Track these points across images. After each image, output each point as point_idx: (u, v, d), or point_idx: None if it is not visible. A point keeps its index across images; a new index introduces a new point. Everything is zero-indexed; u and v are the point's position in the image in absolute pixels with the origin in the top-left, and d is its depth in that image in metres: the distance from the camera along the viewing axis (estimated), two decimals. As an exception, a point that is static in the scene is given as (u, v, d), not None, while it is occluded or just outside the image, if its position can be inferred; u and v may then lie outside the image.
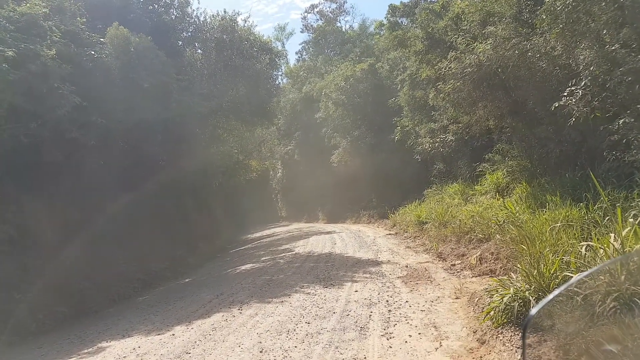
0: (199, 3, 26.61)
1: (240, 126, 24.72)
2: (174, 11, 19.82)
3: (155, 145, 15.27)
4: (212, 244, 20.90)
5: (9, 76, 10.15)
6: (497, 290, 5.72)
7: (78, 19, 14.09)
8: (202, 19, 20.57)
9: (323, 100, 26.97)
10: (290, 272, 11.40)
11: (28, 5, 11.80)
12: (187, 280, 14.16)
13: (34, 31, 11.68)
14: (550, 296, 2.16)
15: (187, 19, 20.17)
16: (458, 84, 10.20)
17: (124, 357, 6.60)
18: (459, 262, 9.15)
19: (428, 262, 9.97)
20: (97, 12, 15.92)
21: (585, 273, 4.16)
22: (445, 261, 9.66)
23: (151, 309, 10.19)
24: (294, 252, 15.29)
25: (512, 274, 6.18)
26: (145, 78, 13.92)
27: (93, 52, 13.68)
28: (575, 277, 4.38)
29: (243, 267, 14.16)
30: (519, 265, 5.98)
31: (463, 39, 10.83)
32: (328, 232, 20.15)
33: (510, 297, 5.24)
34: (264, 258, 15.46)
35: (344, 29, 45.26)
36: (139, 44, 14.27)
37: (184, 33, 20.41)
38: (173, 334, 7.34)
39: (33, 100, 10.69)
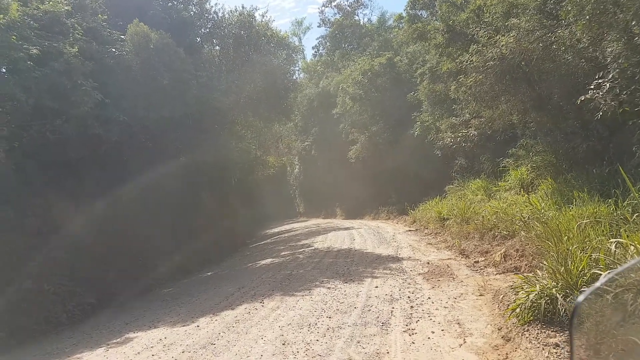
0: (217, -1, 26.75)
1: (257, 122, 24.82)
2: (193, 7, 19.94)
3: (174, 142, 15.45)
4: (232, 238, 21.09)
5: (34, 74, 10.41)
6: (522, 288, 5.62)
7: (99, 16, 14.33)
8: (220, 15, 20.69)
9: (340, 95, 26.79)
10: (309, 267, 11.42)
11: (51, 3, 12.01)
12: (209, 273, 14.37)
13: (57, 29, 11.94)
14: (598, 284, 2.13)
15: (206, 15, 20.29)
16: (480, 77, 10.01)
17: (151, 347, 6.73)
18: (483, 259, 9.01)
19: (450, 258, 9.84)
20: (117, 9, 16.13)
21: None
22: (468, 258, 9.53)
23: (176, 301, 10.41)
24: (312, 248, 15.30)
25: (538, 271, 6.07)
26: (164, 75, 14.07)
27: (114, 50, 13.93)
28: (625, 266, 4.26)
29: (263, 262, 14.27)
30: (545, 262, 5.86)
31: (485, 31, 10.59)
32: (346, 228, 20.11)
33: (536, 294, 5.15)
34: (283, 253, 15.54)
35: (361, 23, 44.80)
36: (159, 41, 14.41)
37: (203, 29, 20.53)
38: (198, 326, 7.46)
39: (57, 97, 10.94)
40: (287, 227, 30.26)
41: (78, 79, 11.42)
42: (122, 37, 14.46)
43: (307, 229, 24.48)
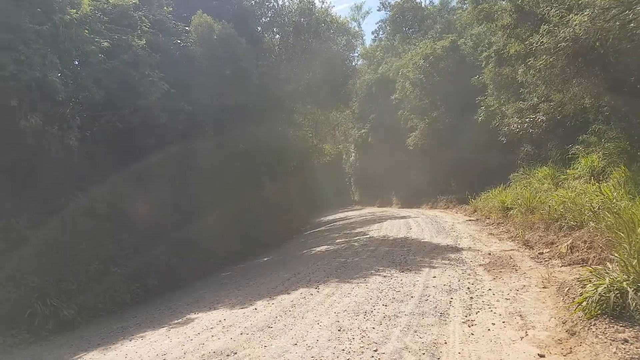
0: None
1: (315, 110, 24.94)
2: (254, -3, 20.24)
3: (236, 130, 15.90)
4: (288, 225, 21.50)
5: (105, 66, 11.04)
6: (590, 280, 5.35)
7: (164, 8, 14.91)
8: (280, 3, 20.91)
9: (400, 80, 26.27)
10: (365, 255, 11.41)
11: (120, -4, 12.61)
12: (265, 259, 14.75)
13: (125, 22, 12.54)
14: None
15: (266, 3, 20.56)
16: (551, 59, 9.44)
17: (211, 328, 7.03)
18: (548, 250, 8.59)
19: (513, 249, 9.48)
20: (181, 0, 16.73)
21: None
22: (532, 249, 9.13)
23: (234, 285, 10.75)
24: (368, 236, 15.27)
25: (608, 263, 5.74)
26: (227, 64, 14.47)
27: (179, 41, 14.49)
28: None
29: (318, 249, 14.44)
30: (616, 255, 5.53)
31: (557, 10, 9.92)
32: (403, 217, 19.87)
33: (605, 287, 4.89)
34: (338, 241, 15.62)
35: (423, 5, 43.35)
36: (222, 31, 14.80)
37: (263, 18, 20.83)
38: (255, 309, 7.70)
39: (126, 88, 11.54)
40: (341, 215, 30.38)
41: (145, 70, 12.00)
42: (187, 28, 14.99)
43: (361, 217, 24.45)
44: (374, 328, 5.69)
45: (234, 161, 15.91)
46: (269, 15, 20.83)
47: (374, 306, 6.63)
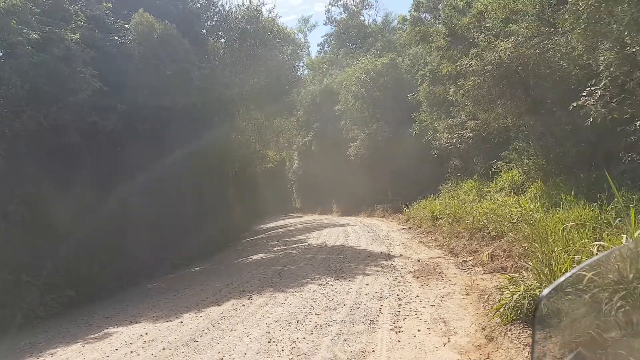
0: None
1: (259, 115, 24.86)
2: (199, 0, 19.95)
3: (174, 132, 15.47)
4: (225, 232, 21.05)
5: (33, 59, 10.37)
6: (507, 288, 5.73)
7: (103, 4, 14.36)
8: (227, 8, 20.79)
9: (343, 92, 26.92)
10: (302, 263, 11.49)
11: (55, -12, 11.98)
12: (197, 268, 14.30)
13: (59, 15, 11.92)
14: (562, 278, 2.24)
15: (212, 7, 20.34)
16: (478, 80, 10.13)
17: (131, 343, 6.65)
18: (471, 258, 9.15)
19: (440, 257, 9.98)
20: (123, -2, 16.15)
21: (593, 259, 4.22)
22: (457, 257, 9.66)
23: (160, 296, 10.26)
24: (306, 244, 15.39)
25: (523, 271, 6.18)
26: (167, 65, 14.08)
27: (117, 38, 13.92)
28: (584, 263, 4.41)
29: (255, 257, 14.30)
30: (530, 263, 5.97)
31: (485, 36, 10.71)
32: (342, 225, 20.23)
33: (520, 294, 5.25)
34: (276, 248, 15.60)
35: (366, 23, 44.90)
36: (163, 31, 14.40)
37: (209, 22, 20.56)
38: (181, 322, 7.40)
39: (55, 83, 10.88)
40: (282, 222, 30.35)
41: (78, 66, 11.38)
42: (126, 25, 14.45)
43: (302, 225, 24.58)
44: (304, 338, 5.70)
45: (170, 164, 15.42)
46: (215, 19, 20.62)
47: (306, 315, 6.67)
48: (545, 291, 2.19)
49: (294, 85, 25.29)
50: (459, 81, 11.38)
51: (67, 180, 11.62)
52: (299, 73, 29.47)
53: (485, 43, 10.49)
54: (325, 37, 47.80)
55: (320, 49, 47.22)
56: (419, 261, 9.73)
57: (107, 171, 13.26)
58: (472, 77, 10.28)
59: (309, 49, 41.32)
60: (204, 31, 20.15)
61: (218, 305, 8.19)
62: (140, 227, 13.36)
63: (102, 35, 13.43)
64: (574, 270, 2.34)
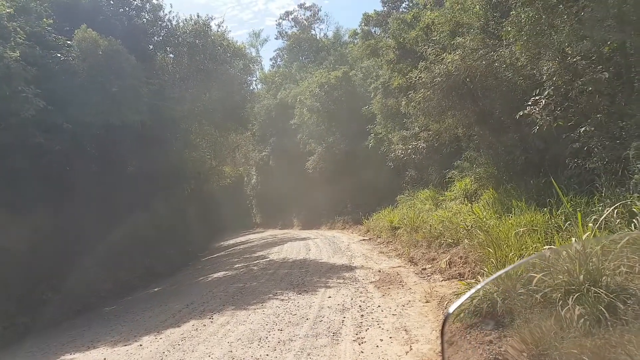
0: (171, 7, 26.57)
1: (213, 131, 24.46)
2: (146, 15, 19.41)
3: (124, 150, 14.98)
4: (183, 251, 20.48)
5: (-33, 78, 9.81)
6: (465, 293, 5.85)
7: (44, 20, 13.80)
8: (174, 23, 20.24)
9: (298, 106, 27.05)
10: (263, 279, 11.35)
11: (-10, 5, 11.44)
12: (156, 289, 13.88)
13: (-4, 32, 11.36)
14: (467, 294, 2.30)
15: (159, 22, 19.81)
16: (428, 93, 10.41)
17: None
18: (430, 266, 9.31)
19: (400, 266, 10.12)
20: (64, 14, 15.52)
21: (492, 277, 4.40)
22: (417, 265, 9.82)
23: (118, 319, 9.98)
24: (268, 259, 15.22)
25: (479, 277, 6.34)
26: (114, 81, 13.61)
27: (59, 55, 13.39)
28: (488, 279, 4.59)
29: (215, 275, 14.00)
30: (485, 269, 6.14)
31: (433, 49, 11.07)
32: (303, 239, 20.14)
33: (479, 299, 5.38)
34: (237, 265, 15.32)
35: (318, 37, 45.57)
36: (108, 47, 13.94)
37: (156, 37, 20.04)
38: (140, 345, 7.20)
39: (-6, 103, 10.35)
40: (242, 238, 29.87)
41: (19, 85, 10.91)
42: (69, 42, 13.91)
43: (263, 240, 24.30)
44: (267, 355, 5.64)
45: (122, 184, 14.86)
46: (162, 34, 20.11)
47: (269, 332, 6.58)
48: (452, 308, 2.20)
49: (248, 100, 25.15)
50: (410, 93, 11.67)
51: (14, 205, 11.07)
52: (252, 87, 29.38)
53: (434, 56, 10.83)
54: (277, 51, 48.20)
55: (273, 63, 47.56)
56: (379, 271, 9.81)
57: (57, 193, 12.66)
58: (422, 89, 10.56)
59: (262, 63, 41.54)
60: (151, 46, 19.63)
61: (178, 326, 7.97)
62: (94, 249, 12.91)
63: (44, 52, 12.89)
64: (477, 287, 2.40)
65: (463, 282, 6.88)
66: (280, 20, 48.08)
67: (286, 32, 46.98)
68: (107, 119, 13.40)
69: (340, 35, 41.50)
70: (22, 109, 10.80)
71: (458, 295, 6.17)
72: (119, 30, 16.11)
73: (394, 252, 12.25)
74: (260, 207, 42.85)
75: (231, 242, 28.62)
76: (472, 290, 3.56)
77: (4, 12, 11.75)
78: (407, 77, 12.24)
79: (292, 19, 47.40)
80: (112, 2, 18.23)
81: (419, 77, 10.52)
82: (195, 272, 16.51)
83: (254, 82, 34.18)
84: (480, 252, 7.28)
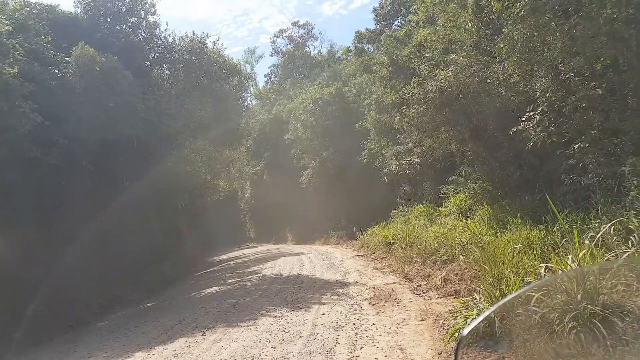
0: (167, 25, 26.81)
1: (208, 146, 24.51)
2: (142, 32, 19.63)
3: (119, 165, 14.97)
4: (177, 266, 20.31)
5: (-33, 95, 9.84)
6: (461, 312, 5.81)
7: (42, 37, 14.00)
8: (170, 40, 20.44)
9: (292, 121, 27.16)
10: (257, 294, 11.24)
11: (-10, 22, 11.55)
12: (149, 304, 13.73)
13: (-5, 49, 11.44)
14: (481, 317, 2.27)
15: (156, 40, 20.03)
16: (421, 108, 10.49)
17: None
18: (425, 283, 9.25)
19: (395, 283, 10.04)
20: (62, 31, 15.74)
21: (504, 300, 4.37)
22: (412, 282, 9.75)
23: (110, 335, 9.86)
24: (261, 275, 15.10)
25: (475, 294, 6.28)
26: (110, 97, 13.71)
27: (57, 71, 13.54)
28: (502, 301, 4.56)
29: (208, 290, 13.85)
30: (482, 286, 6.08)
31: (426, 66, 11.19)
32: (296, 254, 20.01)
33: (474, 318, 5.32)
34: (230, 281, 15.18)
35: (312, 54, 46.15)
36: (105, 64, 14.07)
37: (152, 54, 20.23)
38: (133, 362, 7.07)
39: (-9, 118, 10.37)
40: (236, 253, 29.67)
41: (16, 100, 11.04)
42: (67, 59, 14.04)
43: (256, 255, 24.12)
44: (261, 373, 5.56)
45: (116, 198, 14.77)
46: (159, 51, 20.31)
47: (262, 349, 6.49)
48: (465, 330, 2.19)
49: (242, 116, 25.32)
50: (403, 109, 11.74)
51: (7, 219, 11.02)
52: (246, 103, 29.50)
53: (426, 72, 10.94)
54: (271, 67, 48.77)
55: (268, 79, 48.05)
56: (374, 288, 9.73)
57: (51, 207, 12.61)
58: (415, 105, 10.63)
59: (256, 79, 41.83)
60: (147, 63, 19.81)
61: (170, 342, 7.88)
62: (88, 263, 12.91)
63: (42, 68, 13.00)
64: (486, 313, 2.37)
65: (459, 299, 6.83)
66: (275, 38, 48.80)
67: (280, 49, 47.67)
68: (103, 134, 13.49)
69: (334, 52, 42.04)
70: (19, 124, 10.88)
71: (454, 313, 6.11)
72: (116, 47, 16.25)
73: (388, 268, 12.19)
74: (254, 221, 42.64)
75: (224, 256, 28.41)
76: (486, 313, 3.45)
77: (3, 29, 11.92)
78: (400, 93, 12.33)
79: (286, 36, 48.11)
80: (109, 20, 18.46)
81: (412, 93, 10.60)
82: (189, 287, 16.35)
83: (249, 98, 34.41)
84: (476, 269, 7.22)
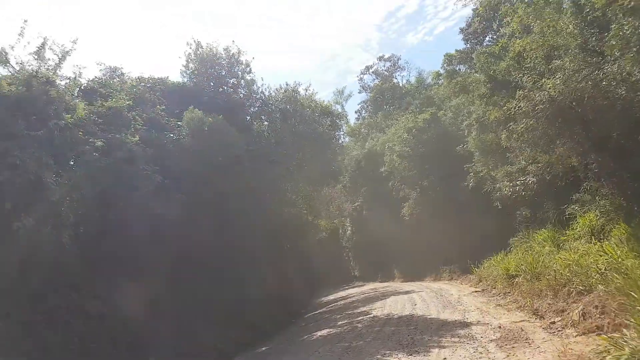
0: (262, 80, 28.83)
1: (307, 187, 25.24)
2: (242, 90, 21.66)
3: (230, 214, 15.83)
4: (286, 308, 20.56)
5: (99, 163, 11.28)
6: (609, 352, 4.96)
7: (157, 107, 15.80)
8: (267, 93, 22.21)
9: (387, 153, 26.84)
10: (369, 337, 10.79)
11: (114, 100, 13.35)
12: (264, 348, 13.93)
13: (120, 121, 13.19)
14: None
15: (254, 95, 21.93)
16: (531, 122, 9.70)
17: None
18: (559, 319, 8.16)
19: (523, 320, 9.02)
20: (173, 98, 17.81)
21: None
22: (543, 319, 8.68)
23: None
24: (371, 315, 14.57)
25: (624, 329, 5.37)
26: (218, 153, 14.95)
27: (172, 135, 15.16)
28: None
29: (319, 333, 13.71)
30: (631, 320, 5.18)
31: (529, 76, 10.37)
32: (406, 292, 19.14)
33: (626, 358, 4.50)
34: (340, 322, 14.89)
35: (400, 84, 46.00)
36: (212, 124, 15.56)
37: (252, 108, 22.10)
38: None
39: (120, 183, 11.77)
40: (342, 293, 29.39)
41: (140, 165, 12.41)
42: (179, 123, 15.76)
43: (363, 295, 23.61)
44: None
45: (229, 246, 15.63)
46: (257, 105, 22.09)
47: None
48: None
49: (337, 154, 25.95)
50: (510, 125, 10.92)
51: (136, 272, 11.94)
52: (340, 141, 30.14)
53: (531, 83, 10.17)
54: (361, 103, 49.48)
55: (358, 115, 48.74)
56: (500, 327, 8.80)
57: (173, 259, 13.57)
58: (523, 119, 9.87)
59: (347, 117, 42.60)
60: (248, 117, 21.64)
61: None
62: (208, 309, 13.58)
63: (159, 134, 14.65)
64: None
65: (604, 336, 5.85)
66: (362, 75, 49.73)
67: (368, 85, 48.38)
68: (215, 187, 14.58)
69: (423, 79, 41.37)
70: (144, 185, 12.16)
71: (600, 353, 5.24)
72: (220, 107, 18.00)
73: (513, 304, 10.96)
74: (357, 259, 42.21)
75: (331, 297, 28.28)
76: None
77: (124, 104, 13.58)
78: (504, 109, 11.51)
79: (372, 71, 48.79)
80: (212, 84, 20.65)
81: (519, 107, 9.85)
82: (300, 329, 16.39)
83: (342, 136, 35.11)
84: (620, 299, 6.23)
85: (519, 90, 10.51)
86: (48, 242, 9.78)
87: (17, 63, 11.12)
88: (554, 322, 8.09)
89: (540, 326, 8.22)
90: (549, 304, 9.09)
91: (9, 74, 11.13)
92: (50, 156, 9.93)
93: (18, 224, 9.02)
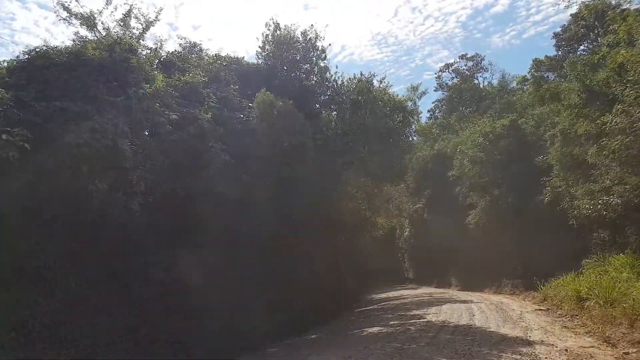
0: (336, 68, 28.32)
1: (369, 182, 24.84)
2: (314, 77, 21.25)
3: (290, 199, 15.90)
4: (336, 301, 20.49)
5: (172, 136, 11.64)
6: None
7: (231, 86, 16.02)
8: (339, 82, 21.58)
9: (458, 157, 25.82)
10: (423, 342, 10.49)
11: (191, 75, 13.64)
12: (312, 336, 14.02)
13: (194, 97, 13.50)
14: None
15: (326, 83, 21.43)
16: (627, 140, 8.83)
17: None
18: (634, 350, 7.48)
19: (592, 347, 8.33)
20: (247, 79, 17.97)
21: None
22: (616, 348, 8.01)
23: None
24: (425, 320, 14.21)
25: None
26: (284, 138, 14.96)
27: (242, 116, 15.30)
28: None
29: (370, 330, 13.57)
30: None
31: (632, 90, 9.42)
32: (464, 301, 18.45)
33: None
34: (392, 322, 14.66)
35: (481, 86, 43.99)
36: (282, 108, 15.54)
37: (322, 96, 21.71)
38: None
39: (190, 157, 12.03)
40: (395, 293, 28.94)
41: (210, 142, 12.57)
42: (250, 104, 15.87)
43: (417, 298, 23.07)
44: None
45: (285, 232, 15.72)
46: (328, 93, 21.60)
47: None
48: None
49: (406, 152, 25.01)
50: (602, 141, 10.02)
51: (197, 246, 12.26)
52: (410, 139, 29.20)
53: (632, 98, 9.23)
54: (435, 102, 47.87)
55: (431, 114, 47.19)
56: (566, 350, 8.20)
57: (232, 237, 13.88)
58: (619, 135, 9.03)
59: (419, 115, 41.35)
60: (317, 105, 21.27)
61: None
62: (259, 290, 13.68)
63: (230, 113, 14.84)
64: None
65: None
66: (440, 73, 48.19)
67: (446, 84, 46.67)
68: (278, 171, 14.60)
69: (506, 82, 39.34)
70: (212, 162, 12.35)
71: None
72: (291, 92, 17.87)
73: (582, 328, 10.20)
74: (412, 261, 41.29)
75: (383, 295, 27.93)
76: None
77: (200, 80, 13.88)
78: (596, 122, 10.59)
79: (452, 70, 47.08)
80: (285, 68, 20.52)
81: (615, 122, 9.00)
82: (349, 323, 16.32)
83: (412, 134, 34.12)
84: None
85: (617, 104, 9.63)
86: (118, 208, 10.08)
87: (103, 29, 11.51)
88: (627, 353, 7.42)
89: (612, 355, 7.58)
90: (624, 333, 8.40)
91: (95, 38, 11.56)
92: (127, 123, 10.13)
93: (92, 187, 9.23)
